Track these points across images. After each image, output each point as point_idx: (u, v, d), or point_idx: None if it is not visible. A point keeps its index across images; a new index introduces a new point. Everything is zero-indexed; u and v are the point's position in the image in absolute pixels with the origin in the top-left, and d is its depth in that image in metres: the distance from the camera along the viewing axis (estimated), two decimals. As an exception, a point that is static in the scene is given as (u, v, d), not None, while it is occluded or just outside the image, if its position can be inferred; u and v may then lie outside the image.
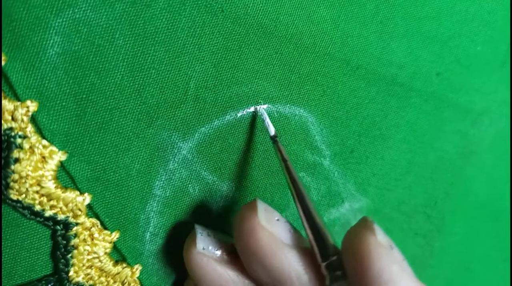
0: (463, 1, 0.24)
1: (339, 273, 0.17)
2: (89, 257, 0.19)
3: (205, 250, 0.19)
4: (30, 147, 0.17)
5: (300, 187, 0.19)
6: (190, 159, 0.21)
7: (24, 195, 0.18)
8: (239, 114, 0.21)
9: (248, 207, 0.18)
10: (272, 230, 0.18)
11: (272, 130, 0.21)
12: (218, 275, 0.19)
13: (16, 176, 0.17)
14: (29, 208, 0.18)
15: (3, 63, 0.17)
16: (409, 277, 0.16)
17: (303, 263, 0.18)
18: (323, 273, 0.17)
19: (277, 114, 0.22)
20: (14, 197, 0.18)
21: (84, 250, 0.19)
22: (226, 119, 0.21)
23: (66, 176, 0.19)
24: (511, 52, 0.27)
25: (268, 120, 0.21)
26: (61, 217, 0.19)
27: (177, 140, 0.20)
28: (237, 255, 0.19)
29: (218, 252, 0.19)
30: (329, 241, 0.18)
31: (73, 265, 0.19)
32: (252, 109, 0.21)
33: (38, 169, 0.18)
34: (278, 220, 0.18)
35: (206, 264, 0.19)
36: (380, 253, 0.16)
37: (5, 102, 0.17)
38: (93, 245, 0.19)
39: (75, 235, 0.19)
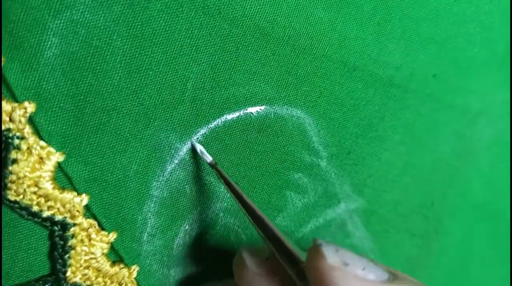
0: (460, 3, 0.24)
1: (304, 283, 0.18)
2: (87, 257, 0.20)
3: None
4: (28, 148, 0.17)
5: (250, 203, 0.19)
6: (187, 159, 0.21)
7: (21, 196, 0.18)
8: (236, 116, 0.21)
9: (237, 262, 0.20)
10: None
11: (208, 158, 0.20)
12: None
13: (13, 177, 0.17)
14: (27, 208, 0.18)
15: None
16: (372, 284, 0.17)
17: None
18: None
19: (274, 115, 0.22)
20: (12, 198, 0.18)
21: (82, 250, 0.19)
22: (223, 120, 0.21)
23: (64, 177, 0.19)
24: (510, 54, 0.27)
25: (203, 150, 0.21)
26: (58, 217, 0.19)
27: (174, 141, 0.20)
28: None
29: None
30: (292, 251, 0.18)
31: (70, 265, 0.19)
32: (249, 110, 0.21)
33: (36, 169, 0.18)
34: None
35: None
36: (334, 274, 0.17)
37: (3, 103, 0.17)
38: (91, 246, 0.20)
39: (73, 236, 0.19)
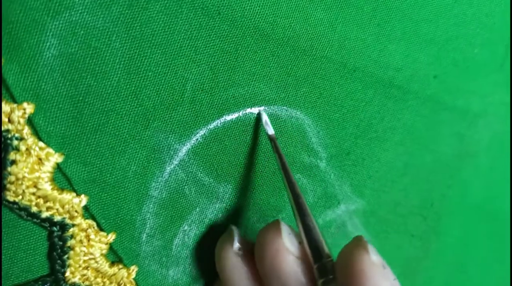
0: (460, 4, 0.24)
1: (331, 277, 0.17)
2: (86, 258, 0.20)
3: (240, 250, 0.20)
4: (27, 149, 0.17)
5: (296, 188, 0.19)
6: (186, 160, 0.21)
7: (20, 197, 0.18)
8: (235, 116, 0.21)
9: (272, 229, 0.19)
10: (296, 254, 0.18)
11: (270, 130, 0.21)
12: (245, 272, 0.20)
13: (12, 178, 0.17)
14: (26, 209, 0.18)
15: (-1, 65, 0.17)
16: None
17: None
18: (315, 276, 0.18)
19: (273, 116, 0.22)
20: (11, 199, 0.18)
21: (81, 251, 0.19)
22: (222, 121, 0.21)
23: (63, 178, 0.19)
24: (510, 55, 0.27)
25: (267, 120, 0.21)
26: (57, 218, 0.19)
27: (173, 142, 0.20)
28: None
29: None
30: (322, 244, 0.18)
31: (69, 266, 0.19)
32: (248, 111, 0.21)
33: (35, 170, 0.18)
34: (289, 233, 0.19)
35: (239, 263, 0.20)
36: (373, 271, 0.17)
37: (2, 104, 0.17)
38: (90, 246, 0.20)
39: (72, 236, 0.19)
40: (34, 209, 0.18)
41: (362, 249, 0.17)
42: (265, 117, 0.21)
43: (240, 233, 0.21)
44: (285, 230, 0.19)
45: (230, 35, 0.20)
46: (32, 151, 0.18)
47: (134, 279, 0.21)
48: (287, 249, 0.18)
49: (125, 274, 0.20)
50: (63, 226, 0.19)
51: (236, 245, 0.20)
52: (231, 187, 0.22)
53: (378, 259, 0.17)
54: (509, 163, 0.30)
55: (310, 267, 0.18)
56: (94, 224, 0.19)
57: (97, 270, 0.20)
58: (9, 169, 0.17)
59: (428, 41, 0.24)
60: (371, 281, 0.17)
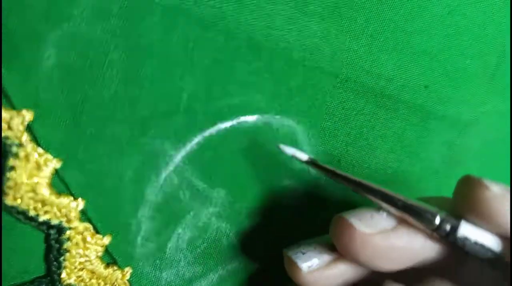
0: (453, 15, 0.25)
1: (454, 221, 0.17)
2: (81, 260, 0.20)
3: (311, 268, 0.19)
4: (26, 155, 0.18)
5: (369, 185, 0.19)
6: (181, 166, 0.21)
7: (19, 201, 0.18)
8: (229, 125, 0.21)
9: (343, 226, 0.18)
10: (378, 229, 0.18)
11: (304, 157, 0.20)
12: (335, 276, 0.19)
13: (11, 183, 0.18)
14: (24, 213, 0.19)
15: None
16: None
17: (416, 232, 0.18)
18: (436, 236, 0.18)
19: (266, 125, 0.22)
20: (10, 203, 0.18)
21: (77, 253, 0.20)
22: (217, 129, 0.21)
23: (61, 183, 0.19)
24: (510, 64, 0.28)
25: (295, 152, 0.21)
26: (55, 221, 0.19)
27: (169, 149, 0.21)
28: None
29: (321, 260, 0.19)
30: (425, 208, 0.18)
31: (65, 267, 0.20)
32: (242, 119, 0.22)
33: (33, 176, 0.18)
34: (371, 215, 0.18)
35: (321, 276, 0.19)
36: (501, 203, 0.16)
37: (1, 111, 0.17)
38: (85, 249, 0.20)
39: (68, 239, 0.20)
40: (32, 213, 0.19)
41: (480, 186, 0.17)
42: (288, 150, 0.21)
43: (299, 252, 0.20)
44: (352, 218, 0.18)
45: (225, 46, 0.20)
46: (31, 157, 0.18)
47: (128, 280, 0.21)
48: (369, 233, 0.18)
49: (120, 276, 0.21)
50: (60, 229, 0.20)
51: (304, 265, 0.19)
52: (224, 192, 0.23)
53: (499, 188, 0.17)
54: (498, 171, 0.31)
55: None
56: (91, 227, 0.20)
57: (92, 272, 0.21)
58: (8, 174, 0.18)
59: (420, 52, 0.25)
60: (502, 212, 0.16)
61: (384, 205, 0.18)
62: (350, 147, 0.25)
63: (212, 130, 0.21)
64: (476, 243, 0.17)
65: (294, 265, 0.19)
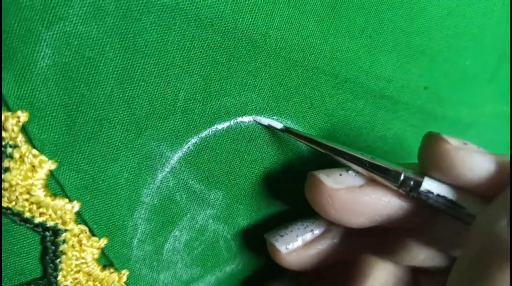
0: (453, 16, 0.25)
1: (417, 177, 0.18)
2: (77, 262, 0.20)
3: (289, 248, 0.21)
4: (20, 156, 0.18)
5: (337, 147, 0.20)
6: (178, 168, 0.21)
7: (14, 203, 0.18)
8: (226, 125, 0.21)
9: (313, 182, 0.20)
10: (345, 185, 0.19)
11: (279, 125, 0.22)
12: (313, 256, 0.21)
13: (6, 184, 0.18)
14: (19, 214, 0.18)
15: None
16: (488, 155, 0.18)
17: (383, 190, 0.19)
18: (401, 192, 0.19)
19: (264, 126, 0.22)
20: (5, 204, 0.18)
21: (73, 255, 0.20)
22: (214, 130, 0.21)
23: (56, 184, 0.19)
24: (510, 65, 0.27)
25: (271, 122, 0.22)
26: (50, 223, 0.19)
27: (165, 150, 0.20)
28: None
29: (299, 241, 0.21)
30: (390, 167, 0.19)
31: (61, 269, 0.20)
32: (239, 120, 0.21)
33: (28, 177, 0.18)
34: (341, 174, 0.20)
35: (300, 257, 0.21)
36: (460, 154, 0.17)
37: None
38: (81, 251, 0.20)
39: (64, 241, 0.20)
40: (27, 215, 0.19)
41: (440, 140, 0.18)
42: (264, 120, 0.22)
43: (277, 236, 0.22)
44: (322, 176, 0.20)
45: (223, 46, 0.20)
46: (25, 158, 0.18)
47: (125, 282, 0.21)
48: (337, 188, 0.19)
49: (116, 278, 0.21)
50: (56, 231, 0.19)
51: (283, 247, 0.21)
52: (221, 193, 0.22)
53: (457, 141, 0.18)
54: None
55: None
56: (86, 229, 0.20)
57: (88, 274, 0.20)
58: (3, 176, 0.18)
59: (420, 53, 0.24)
60: (463, 162, 0.17)
61: (354, 166, 0.20)
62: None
63: (209, 131, 0.21)
64: (438, 195, 0.18)
65: (274, 247, 0.21)
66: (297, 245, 0.21)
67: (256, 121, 0.22)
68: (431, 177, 0.18)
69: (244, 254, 0.24)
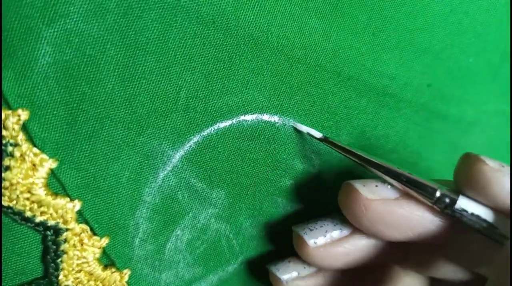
0: (456, 13, 0.24)
1: (453, 195, 0.19)
2: (79, 261, 0.20)
3: (317, 243, 0.21)
4: (21, 155, 0.18)
5: (374, 160, 0.20)
6: (179, 166, 0.21)
7: (15, 202, 0.18)
8: (229, 124, 0.21)
9: (348, 191, 0.20)
10: (380, 196, 0.20)
11: (318, 135, 0.22)
12: (339, 255, 0.21)
13: (6, 183, 0.18)
14: (20, 213, 0.18)
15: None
16: None
17: (417, 204, 0.19)
18: (436, 209, 0.19)
19: (267, 124, 0.22)
20: (5, 203, 0.18)
21: (74, 255, 0.20)
22: (216, 128, 0.21)
23: (57, 183, 0.19)
24: (511, 63, 0.27)
25: (309, 130, 0.22)
26: (51, 222, 0.19)
27: (167, 149, 0.20)
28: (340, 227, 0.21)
29: (328, 237, 0.21)
30: (426, 183, 0.19)
31: (62, 269, 0.20)
32: (242, 118, 0.21)
33: (29, 176, 0.18)
34: (377, 186, 0.20)
35: (327, 253, 0.21)
36: (497, 176, 0.18)
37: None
38: (83, 250, 0.20)
39: (65, 240, 0.19)
40: (28, 214, 0.18)
41: (478, 161, 0.18)
42: (304, 128, 0.22)
43: (307, 228, 0.22)
44: (359, 185, 0.20)
45: (225, 43, 0.20)
46: (26, 157, 0.18)
47: (126, 282, 0.21)
48: (372, 199, 0.19)
49: (118, 278, 0.21)
50: (57, 230, 0.19)
51: (311, 241, 0.21)
52: (224, 192, 0.22)
53: (495, 163, 0.18)
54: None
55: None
56: (88, 228, 0.20)
57: (90, 273, 0.20)
58: (3, 174, 0.17)
59: (423, 50, 0.24)
60: (500, 183, 0.17)
61: (389, 179, 0.20)
62: (352, 147, 0.24)
63: (211, 129, 0.21)
64: (472, 214, 0.18)
65: (301, 240, 0.21)
66: (325, 241, 0.21)
67: (294, 128, 0.22)
68: (466, 195, 0.19)
69: (246, 253, 0.24)
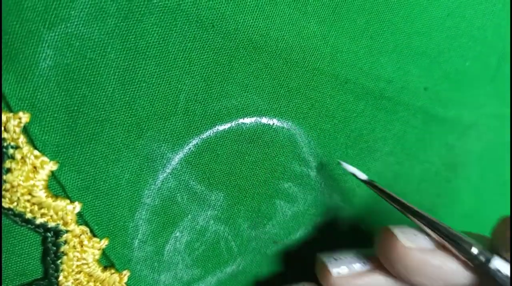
0: (453, 17, 0.25)
1: (488, 254, 0.19)
2: (78, 263, 0.20)
3: (340, 273, 0.21)
4: (22, 157, 0.18)
5: (417, 210, 0.21)
6: (179, 169, 0.21)
7: (15, 203, 0.18)
8: (228, 127, 0.21)
9: (387, 236, 0.20)
10: (418, 245, 0.20)
11: (364, 176, 0.22)
12: None
13: (7, 185, 0.18)
14: (20, 215, 0.18)
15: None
16: None
17: (452, 257, 0.20)
18: (470, 264, 0.19)
19: (265, 127, 0.22)
20: (6, 205, 0.18)
21: (74, 256, 0.20)
22: (215, 131, 0.21)
23: (57, 185, 0.19)
24: (511, 66, 0.27)
25: (355, 170, 0.23)
26: (51, 224, 0.19)
27: (166, 151, 0.20)
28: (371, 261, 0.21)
29: (351, 269, 0.21)
30: (464, 238, 0.19)
31: (62, 270, 0.20)
32: (240, 121, 0.22)
33: (30, 178, 0.18)
34: (415, 235, 0.20)
35: (347, 284, 0.21)
36: None
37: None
38: (83, 252, 0.20)
39: (65, 242, 0.20)
40: (28, 215, 0.19)
41: None
42: (350, 168, 0.23)
43: (331, 258, 0.22)
44: (398, 231, 0.20)
45: (224, 47, 0.20)
46: (27, 159, 0.18)
47: (126, 283, 0.21)
48: (410, 247, 0.20)
49: (117, 279, 0.21)
50: (57, 232, 0.19)
51: (334, 270, 0.21)
52: (222, 194, 0.22)
53: None
54: (499, 173, 0.31)
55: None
56: (88, 230, 0.20)
57: (89, 275, 0.20)
58: (4, 176, 0.18)
59: (420, 54, 0.24)
60: None
61: (428, 229, 0.20)
62: (350, 150, 0.24)
63: (210, 132, 0.21)
64: (507, 277, 0.19)
65: (325, 268, 0.21)
66: (348, 272, 0.21)
67: (342, 166, 0.23)
68: (501, 256, 0.19)
69: (245, 255, 0.24)
